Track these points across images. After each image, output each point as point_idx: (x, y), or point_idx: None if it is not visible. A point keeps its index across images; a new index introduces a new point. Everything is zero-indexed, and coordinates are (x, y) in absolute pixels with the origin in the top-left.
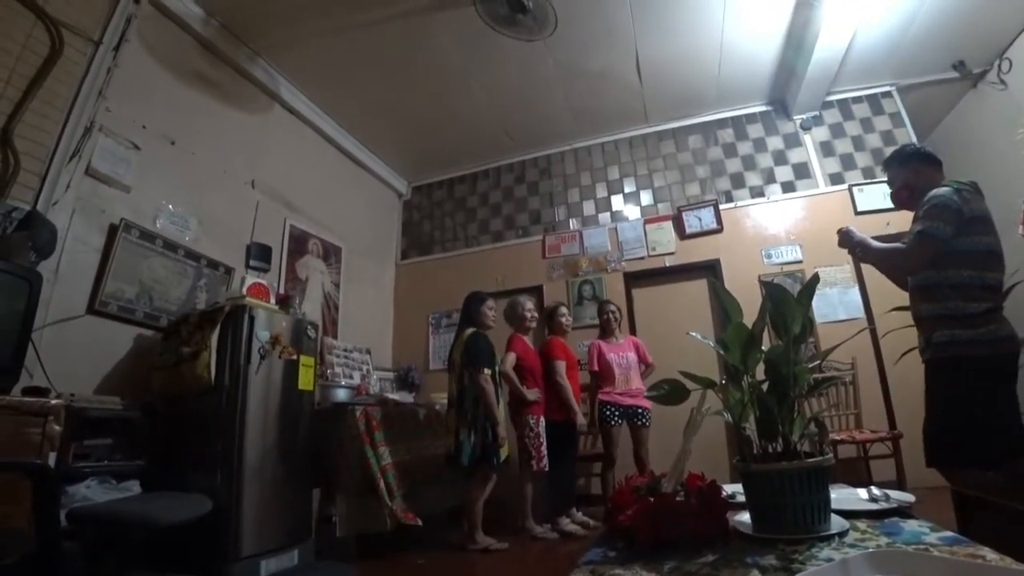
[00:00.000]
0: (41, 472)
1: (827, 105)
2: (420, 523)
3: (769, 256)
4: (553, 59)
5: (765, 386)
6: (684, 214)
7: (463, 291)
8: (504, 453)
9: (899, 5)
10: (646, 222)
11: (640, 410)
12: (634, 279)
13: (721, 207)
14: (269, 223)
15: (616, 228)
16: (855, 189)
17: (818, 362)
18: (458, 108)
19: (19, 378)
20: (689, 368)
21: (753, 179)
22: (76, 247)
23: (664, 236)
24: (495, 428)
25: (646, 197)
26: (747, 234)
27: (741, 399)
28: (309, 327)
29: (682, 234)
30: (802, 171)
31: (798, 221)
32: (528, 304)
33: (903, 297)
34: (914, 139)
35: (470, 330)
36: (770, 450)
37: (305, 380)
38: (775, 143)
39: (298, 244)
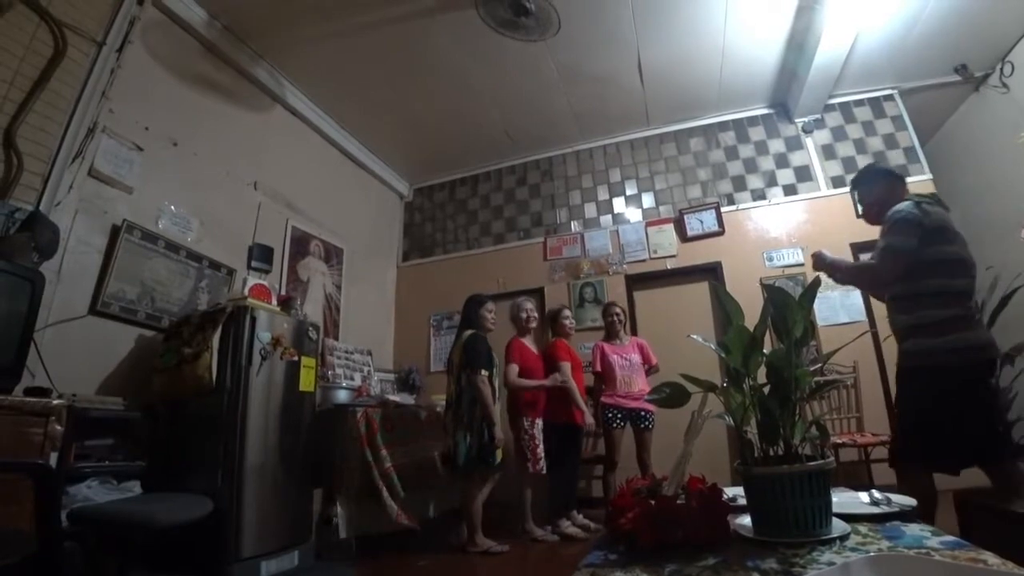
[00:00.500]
0: (42, 472)
1: (829, 108)
2: (418, 527)
3: (771, 259)
4: (555, 61)
5: (766, 389)
6: (686, 216)
7: (464, 293)
8: (500, 455)
9: (901, 8)
10: (647, 224)
11: (644, 413)
12: (635, 281)
13: (723, 210)
14: (271, 224)
15: (618, 230)
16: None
17: (819, 365)
18: (460, 110)
19: (21, 378)
20: (690, 371)
21: (755, 182)
22: (78, 248)
23: (665, 238)
24: (491, 429)
25: (647, 199)
26: (749, 237)
27: (742, 402)
28: (310, 328)
29: (683, 237)
30: (804, 174)
31: (800, 224)
32: (527, 305)
33: None
34: (916, 142)
35: (468, 332)
36: (771, 453)
37: (306, 381)
38: (777, 146)
39: (300, 245)
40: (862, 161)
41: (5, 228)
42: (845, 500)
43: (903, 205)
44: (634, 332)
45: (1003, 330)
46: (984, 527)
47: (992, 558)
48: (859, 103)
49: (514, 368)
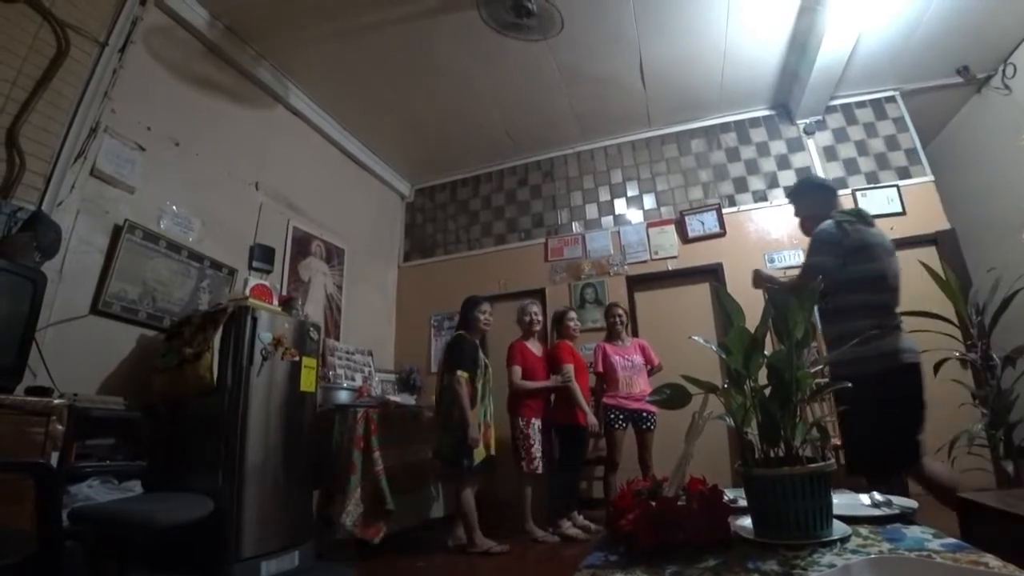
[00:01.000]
0: (44, 471)
1: (831, 109)
2: (376, 540)
3: (772, 260)
4: (556, 62)
5: (767, 391)
6: (687, 218)
7: (465, 294)
8: (479, 456)
9: (903, 10)
10: (649, 226)
11: (645, 414)
12: (636, 282)
13: (724, 211)
14: (272, 225)
15: (619, 231)
16: (858, 194)
17: (821, 367)
18: (461, 110)
19: (23, 378)
20: (691, 372)
21: (756, 183)
22: (80, 248)
23: (667, 240)
24: (466, 430)
25: (649, 201)
26: (750, 238)
27: (743, 403)
28: (311, 328)
29: (685, 238)
30: (805, 176)
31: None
32: (532, 309)
33: (904, 301)
34: (918, 144)
35: (456, 333)
36: (772, 455)
37: (307, 382)
38: (778, 147)
39: (301, 246)
40: (863, 163)
41: (7, 228)
42: (846, 502)
43: (826, 224)
44: (635, 333)
45: (1004, 332)
46: (985, 529)
47: (993, 560)
48: (861, 104)
49: (517, 370)
